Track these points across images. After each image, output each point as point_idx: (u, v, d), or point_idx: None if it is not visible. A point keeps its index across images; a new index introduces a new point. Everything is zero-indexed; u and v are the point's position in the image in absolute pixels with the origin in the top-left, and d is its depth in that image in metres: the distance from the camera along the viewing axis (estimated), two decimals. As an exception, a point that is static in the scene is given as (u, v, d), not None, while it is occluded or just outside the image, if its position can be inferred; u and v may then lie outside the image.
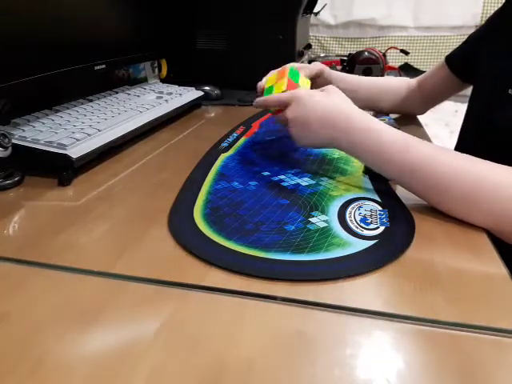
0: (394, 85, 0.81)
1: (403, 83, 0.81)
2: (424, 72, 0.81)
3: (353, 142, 0.47)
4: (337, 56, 1.35)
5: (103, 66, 0.73)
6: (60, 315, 0.30)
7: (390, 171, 0.46)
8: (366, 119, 0.48)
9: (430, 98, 0.79)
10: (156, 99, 0.78)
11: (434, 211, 0.44)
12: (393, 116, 0.82)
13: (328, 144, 0.51)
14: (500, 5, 0.68)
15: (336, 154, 0.61)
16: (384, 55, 1.08)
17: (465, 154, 0.43)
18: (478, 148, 0.49)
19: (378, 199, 0.47)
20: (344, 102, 0.51)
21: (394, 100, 0.80)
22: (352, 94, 0.54)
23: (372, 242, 0.38)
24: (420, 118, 0.84)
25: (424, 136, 0.72)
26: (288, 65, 0.62)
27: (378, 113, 0.79)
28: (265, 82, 0.62)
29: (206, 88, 0.93)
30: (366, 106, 0.59)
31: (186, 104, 0.82)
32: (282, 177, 0.53)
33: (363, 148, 0.47)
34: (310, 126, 0.50)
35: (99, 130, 0.58)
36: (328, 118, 0.49)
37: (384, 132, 0.46)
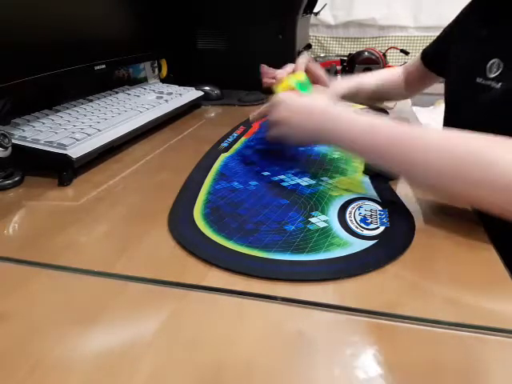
0: (392, 74, 0.86)
1: (397, 72, 0.86)
2: None
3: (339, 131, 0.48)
4: (337, 56, 1.34)
5: (103, 66, 0.73)
6: (60, 315, 0.30)
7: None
8: (348, 112, 0.49)
9: (411, 87, 0.84)
10: (156, 99, 0.78)
11: (434, 211, 0.44)
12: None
13: (315, 136, 0.51)
14: None
15: (336, 153, 0.61)
16: (384, 55, 1.08)
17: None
18: None
19: (378, 199, 0.47)
20: (323, 99, 0.54)
21: (394, 89, 0.85)
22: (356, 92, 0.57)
23: (372, 242, 0.38)
24: (420, 118, 0.84)
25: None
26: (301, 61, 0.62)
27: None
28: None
29: (206, 88, 0.93)
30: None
31: (185, 104, 0.82)
32: (282, 177, 0.53)
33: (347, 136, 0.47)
34: (292, 121, 0.52)
35: (99, 130, 0.58)
36: (308, 112, 0.51)
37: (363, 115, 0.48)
